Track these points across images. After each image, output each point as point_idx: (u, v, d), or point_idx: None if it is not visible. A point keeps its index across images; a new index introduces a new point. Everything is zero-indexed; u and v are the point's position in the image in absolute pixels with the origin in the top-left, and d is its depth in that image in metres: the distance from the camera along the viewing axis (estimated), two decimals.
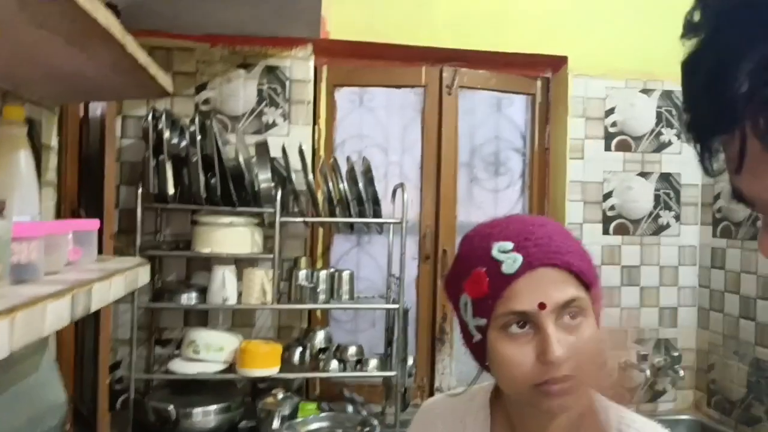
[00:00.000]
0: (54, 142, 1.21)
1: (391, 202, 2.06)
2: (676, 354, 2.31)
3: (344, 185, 1.90)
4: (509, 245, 0.78)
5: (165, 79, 1.09)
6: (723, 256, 2.24)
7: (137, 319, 1.85)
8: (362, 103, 2.32)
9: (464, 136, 2.36)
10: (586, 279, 0.79)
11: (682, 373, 2.26)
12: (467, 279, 0.80)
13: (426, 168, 2.30)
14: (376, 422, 1.76)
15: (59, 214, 1.60)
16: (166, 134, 1.75)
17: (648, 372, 2.25)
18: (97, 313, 1.79)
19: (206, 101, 2.04)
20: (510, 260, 0.77)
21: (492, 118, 2.42)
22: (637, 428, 0.81)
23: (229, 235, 1.84)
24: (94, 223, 1.06)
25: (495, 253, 0.78)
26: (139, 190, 1.79)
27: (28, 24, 0.71)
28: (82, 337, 1.91)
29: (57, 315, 0.70)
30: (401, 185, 1.97)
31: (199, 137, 1.75)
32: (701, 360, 2.35)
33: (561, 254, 0.78)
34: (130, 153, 1.98)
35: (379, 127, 2.34)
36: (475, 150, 2.40)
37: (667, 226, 2.34)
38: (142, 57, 0.93)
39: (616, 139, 2.30)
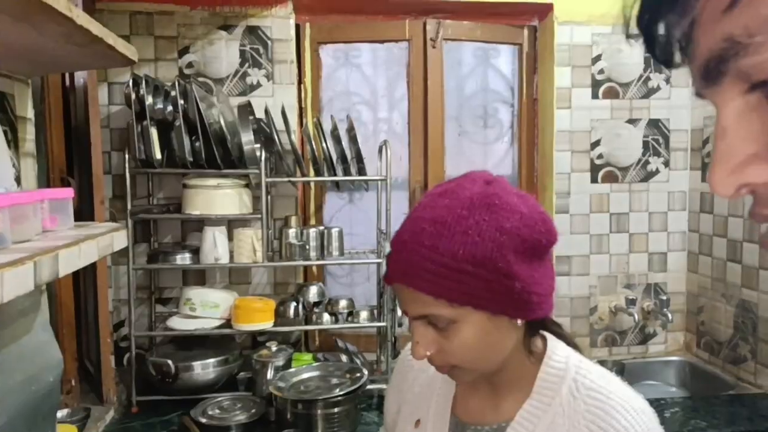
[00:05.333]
0: (30, 113, 1.25)
1: (379, 159, 2.08)
2: (664, 297, 2.35)
3: (327, 144, 1.92)
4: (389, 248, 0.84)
5: (127, 48, 1.11)
6: (711, 201, 2.24)
7: (136, 280, 1.94)
8: (348, 60, 2.31)
9: (451, 89, 2.35)
10: (445, 299, 0.77)
11: (670, 316, 2.30)
12: None
13: (413, 123, 2.31)
14: (365, 370, 1.83)
15: (48, 183, 1.66)
16: (149, 100, 1.78)
17: (637, 316, 2.30)
18: (95, 277, 1.87)
19: (190, 65, 2.06)
20: (385, 266, 0.84)
21: (479, 70, 2.40)
22: (591, 378, 0.83)
23: (217, 197, 1.89)
24: (67, 192, 1.10)
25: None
26: (126, 156, 1.84)
27: None
28: (85, 299, 2.00)
29: (18, 281, 0.75)
30: (385, 142, 1.99)
31: (181, 101, 1.78)
32: (691, 303, 2.38)
33: (409, 275, 0.78)
34: (119, 119, 2.02)
35: (365, 84, 2.34)
36: (463, 103, 2.39)
37: (656, 172, 2.34)
38: (96, 29, 0.95)
39: (604, 87, 2.28)
